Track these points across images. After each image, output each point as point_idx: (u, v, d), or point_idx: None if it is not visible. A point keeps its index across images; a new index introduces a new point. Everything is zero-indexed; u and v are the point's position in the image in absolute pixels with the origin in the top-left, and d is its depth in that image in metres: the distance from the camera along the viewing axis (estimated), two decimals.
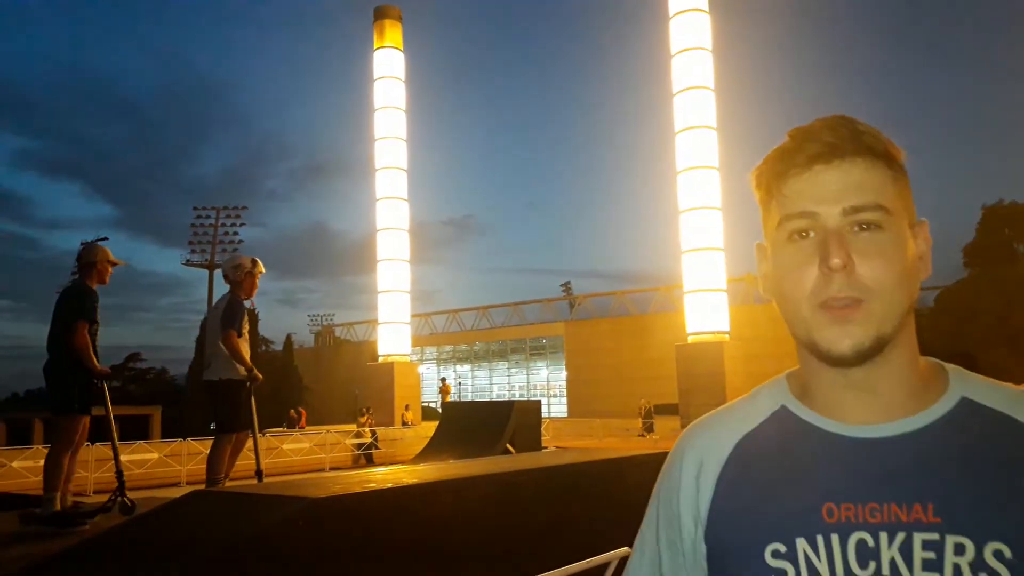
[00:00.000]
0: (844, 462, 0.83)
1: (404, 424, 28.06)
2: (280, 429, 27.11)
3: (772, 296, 0.90)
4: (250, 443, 6.17)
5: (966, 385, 0.87)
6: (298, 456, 20.73)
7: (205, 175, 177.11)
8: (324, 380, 47.22)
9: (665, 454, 1.00)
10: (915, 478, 0.80)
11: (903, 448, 0.82)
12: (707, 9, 28.40)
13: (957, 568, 0.75)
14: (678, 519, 0.92)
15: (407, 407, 30.30)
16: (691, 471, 0.92)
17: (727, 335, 27.46)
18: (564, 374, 46.01)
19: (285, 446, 20.84)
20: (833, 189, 0.82)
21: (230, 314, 5.84)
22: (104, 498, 5.71)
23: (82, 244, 5.91)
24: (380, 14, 35.38)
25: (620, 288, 53.16)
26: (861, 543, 0.79)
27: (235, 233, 48.88)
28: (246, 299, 6.07)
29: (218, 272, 49.01)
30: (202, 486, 5.89)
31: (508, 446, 13.94)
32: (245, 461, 6.47)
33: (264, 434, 22.55)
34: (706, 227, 27.36)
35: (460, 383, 49.68)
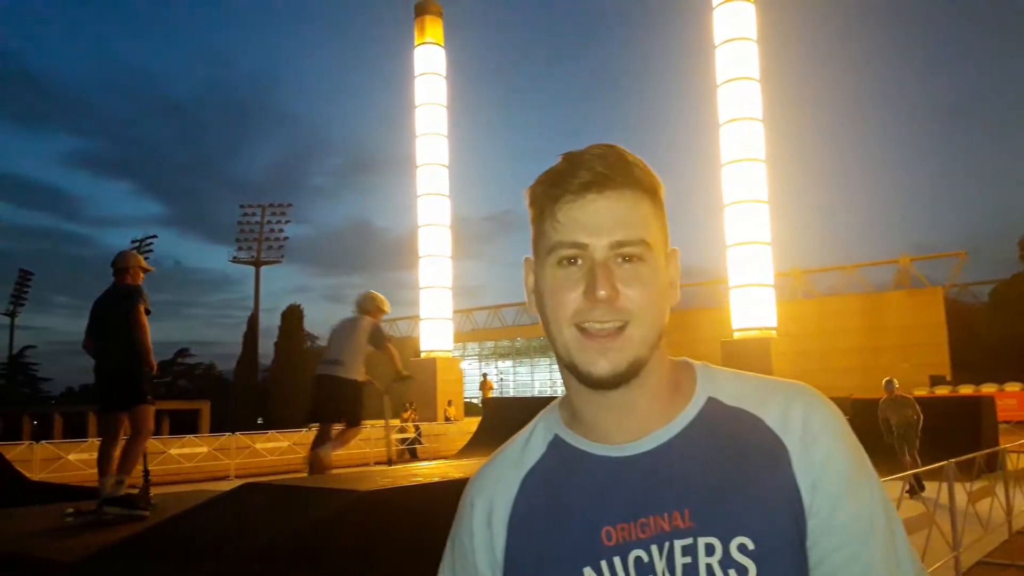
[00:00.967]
0: (614, 483, 0.86)
1: (447, 419, 28.19)
2: None
3: (536, 312, 0.92)
4: (376, 434, 6.93)
5: (712, 384, 0.92)
6: (342, 450, 20.96)
7: (251, 173, 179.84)
8: (367, 375, 47.72)
9: None
10: (672, 486, 0.84)
11: (660, 459, 0.86)
12: None
13: (709, 568, 0.79)
14: (475, 569, 0.92)
15: (449, 403, 30.42)
16: (482, 517, 0.93)
17: (774, 331, 27.00)
18: None
19: None
20: (602, 220, 0.85)
21: (379, 335, 7.32)
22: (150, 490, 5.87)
23: (132, 242, 6.24)
24: (421, 10, 35.48)
25: None
26: (638, 560, 0.82)
27: (281, 230, 49.67)
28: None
29: (265, 268, 49.55)
30: (250, 479, 6.06)
31: None
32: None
33: (308, 428, 22.89)
34: (752, 220, 26.92)
35: (502, 379, 49.78)
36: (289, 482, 4.87)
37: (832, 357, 30.77)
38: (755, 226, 26.96)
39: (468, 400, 39.06)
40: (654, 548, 0.82)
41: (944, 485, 6.73)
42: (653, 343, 0.86)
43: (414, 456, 22.32)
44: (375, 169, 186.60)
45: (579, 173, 0.87)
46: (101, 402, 5.81)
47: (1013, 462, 10.08)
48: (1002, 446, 10.70)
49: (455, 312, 38.49)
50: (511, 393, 48.11)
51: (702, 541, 0.80)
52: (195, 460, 17.33)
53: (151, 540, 4.02)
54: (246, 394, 42.44)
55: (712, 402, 0.90)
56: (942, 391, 18.61)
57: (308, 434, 21.33)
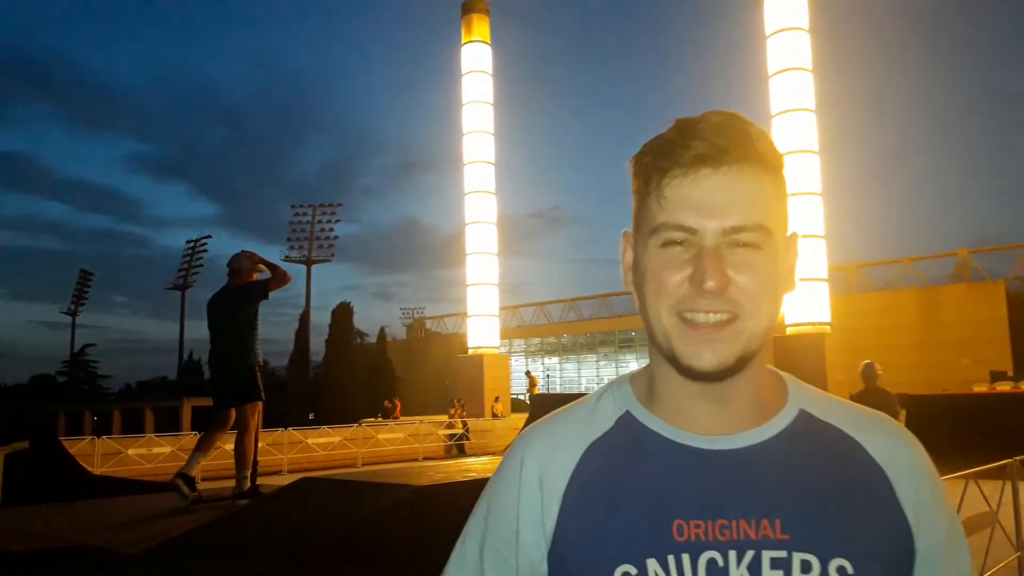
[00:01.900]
0: (692, 475, 0.81)
1: (494, 415, 28.30)
2: (374, 419, 27.81)
3: (632, 291, 0.86)
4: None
5: (803, 398, 0.86)
6: (393, 446, 21.24)
7: (302, 174, 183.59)
8: (416, 372, 48.17)
9: None
10: (762, 493, 0.79)
11: (748, 460, 0.81)
12: None
13: None
14: (516, 535, 0.85)
15: (497, 399, 30.55)
16: (532, 482, 0.85)
17: (828, 326, 26.43)
18: None
19: (381, 436, 21.38)
20: (716, 201, 0.78)
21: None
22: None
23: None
24: (467, 8, 35.60)
25: None
26: (712, 563, 0.77)
27: (331, 230, 50.47)
28: None
29: (316, 267, 50.31)
30: (303, 474, 6.26)
31: None
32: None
33: (360, 424, 23.22)
34: (805, 213, 26.39)
35: (548, 376, 49.74)
36: (346, 476, 4.97)
37: (888, 353, 29.93)
38: (809, 219, 26.44)
39: (514, 397, 39.16)
40: (732, 554, 0.76)
41: (1008, 484, 6.56)
42: (764, 337, 0.80)
43: (462, 452, 22.48)
44: (422, 168, 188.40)
45: (692, 144, 0.79)
46: (213, 397, 6.22)
47: None
48: None
49: (502, 309, 38.61)
50: (558, 390, 48.04)
51: (798, 557, 0.75)
52: None
53: (219, 530, 4.14)
54: (298, 390, 43.22)
55: (805, 414, 0.84)
56: (1003, 387, 18.04)
57: (359, 429, 21.67)
